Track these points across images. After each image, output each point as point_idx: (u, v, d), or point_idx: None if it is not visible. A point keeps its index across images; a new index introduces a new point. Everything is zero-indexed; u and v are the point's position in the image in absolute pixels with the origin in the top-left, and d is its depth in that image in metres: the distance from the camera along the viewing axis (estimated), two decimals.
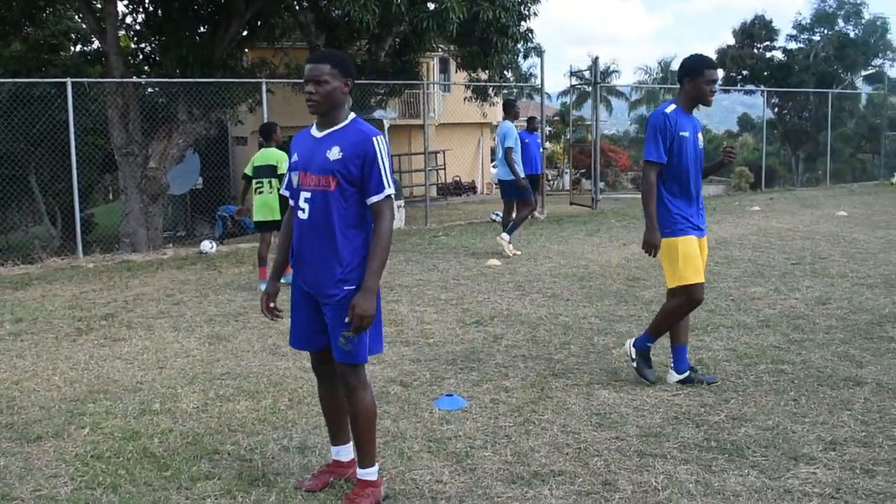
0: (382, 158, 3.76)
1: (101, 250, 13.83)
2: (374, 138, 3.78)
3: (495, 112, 30.96)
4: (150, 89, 20.90)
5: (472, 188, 30.91)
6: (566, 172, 32.47)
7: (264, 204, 9.75)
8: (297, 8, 19.79)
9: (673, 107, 5.55)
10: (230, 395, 5.67)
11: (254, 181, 9.83)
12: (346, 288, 3.79)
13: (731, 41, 45.99)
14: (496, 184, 20.42)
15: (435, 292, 9.10)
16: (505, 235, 11.64)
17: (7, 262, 12.38)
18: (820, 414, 5.07)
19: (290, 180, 3.99)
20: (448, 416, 5.17)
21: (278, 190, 9.62)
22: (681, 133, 5.48)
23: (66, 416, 5.33)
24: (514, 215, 12.15)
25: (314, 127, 3.96)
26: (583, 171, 30.03)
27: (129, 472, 4.39)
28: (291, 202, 3.99)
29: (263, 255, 9.85)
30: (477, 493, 4.07)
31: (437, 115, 30.16)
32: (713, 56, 45.96)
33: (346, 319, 3.73)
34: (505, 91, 23.91)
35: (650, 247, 5.45)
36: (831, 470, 4.27)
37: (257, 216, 9.86)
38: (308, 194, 3.85)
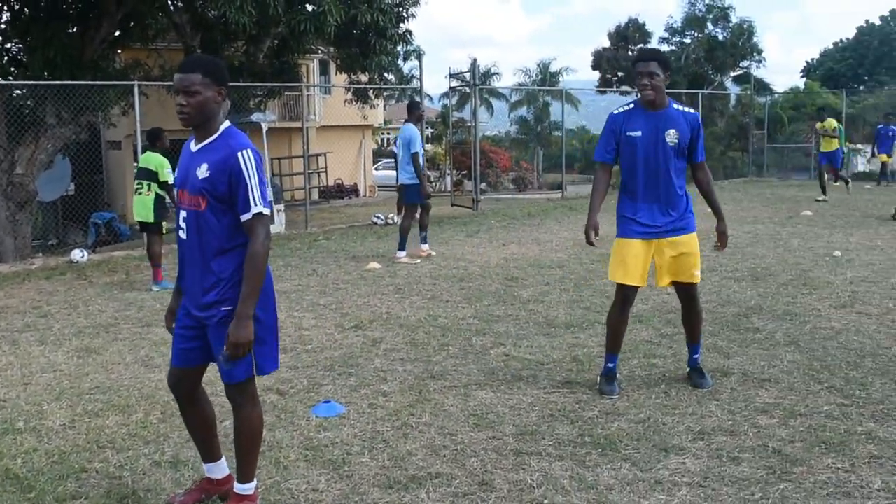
0: (249, 174, 3.59)
1: None
2: (239, 153, 3.60)
3: (376, 114, 30.94)
4: (16, 92, 20.02)
5: (354, 191, 30.79)
6: (448, 174, 32.65)
7: (140, 205, 10.28)
8: (171, 8, 19.32)
9: (629, 106, 5.48)
10: (99, 411, 5.47)
11: (135, 182, 10.34)
12: (223, 309, 3.66)
13: (607, 44, 47.19)
14: (390, 188, 20.34)
15: (314, 297, 9.00)
16: (424, 246, 11.50)
17: None
18: (689, 405, 5.24)
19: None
20: (325, 423, 5.12)
21: (156, 193, 10.14)
22: (629, 133, 5.39)
23: None
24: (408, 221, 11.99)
25: (192, 139, 3.80)
26: (464, 172, 30.26)
27: None
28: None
29: (155, 255, 10.26)
30: (353, 500, 4.04)
31: (317, 117, 29.93)
32: (589, 59, 47.20)
33: (224, 348, 3.62)
34: (386, 93, 23.91)
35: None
36: (699, 459, 4.41)
37: (136, 216, 10.43)
38: (185, 213, 3.72)
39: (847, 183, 19.98)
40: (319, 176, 29.24)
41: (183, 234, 3.76)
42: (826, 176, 18.92)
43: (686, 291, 5.73)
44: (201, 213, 3.65)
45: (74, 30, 17.70)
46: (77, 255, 12.67)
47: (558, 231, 14.14)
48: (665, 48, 45.75)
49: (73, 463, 4.59)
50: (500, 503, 3.99)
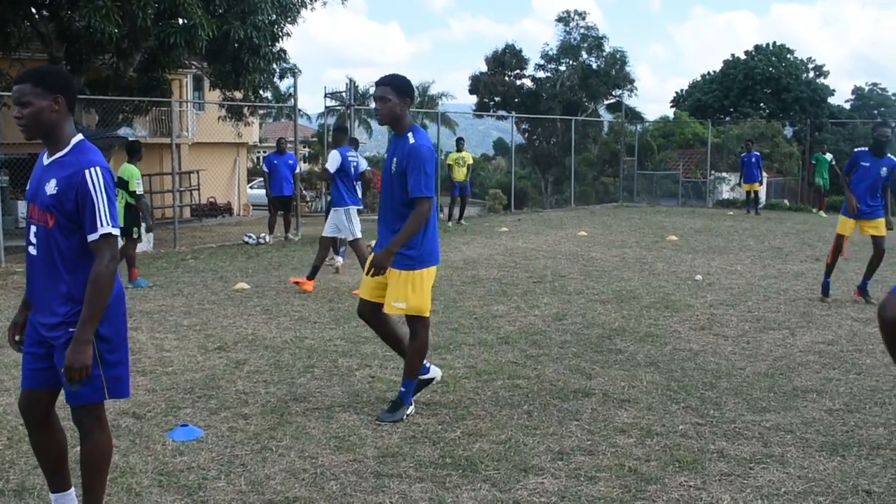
0: (97, 192, 3.45)
1: None
2: (87, 170, 3.46)
3: (251, 132, 30.46)
4: None
5: (227, 210, 30.18)
6: (324, 194, 32.41)
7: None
8: (36, 17, 18.57)
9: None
10: None
11: None
12: (70, 330, 3.48)
13: (485, 68, 47.88)
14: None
15: (178, 318, 8.73)
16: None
17: None
18: (550, 426, 5.29)
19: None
20: (182, 447, 4.95)
21: (127, 202, 10.82)
22: (386, 156, 5.60)
23: None
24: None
25: (45, 152, 3.63)
26: None
27: None
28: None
29: (129, 257, 11.01)
30: None
31: (190, 133, 29.27)
32: (466, 83, 47.82)
33: (62, 370, 3.46)
34: (262, 111, 23.56)
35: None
36: (558, 479, 4.45)
37: None
38: (34, 229, 3.56)
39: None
40: (192, 194, 28.55)
41: (32, 250, 3.59)
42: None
43: (408, 321, 5.61)
44: (49, 231, 3.50)
45: None
46: None
47: None
48: (541, 75, 46.81)
49: None
50: None
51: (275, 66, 20.93)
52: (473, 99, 48.15)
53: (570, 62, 46.20)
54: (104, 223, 3.44)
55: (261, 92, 21.72)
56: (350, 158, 10.72)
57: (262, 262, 13.16)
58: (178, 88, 27.62)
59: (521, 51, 47.85)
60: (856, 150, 10.02)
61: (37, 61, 21.38)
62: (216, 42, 16.98)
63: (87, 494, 3.72)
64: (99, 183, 3.46)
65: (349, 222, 10.71)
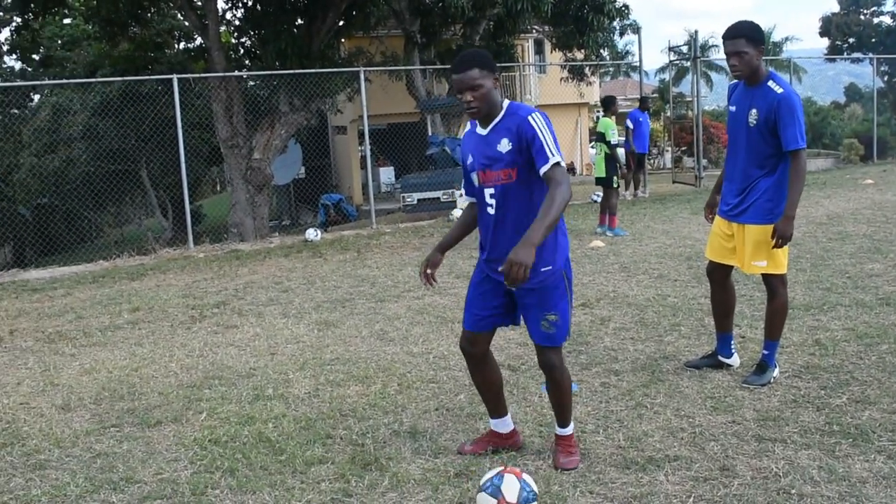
0: (542, 131, 3.84)
1: (211, 240, 14.22)
2: (528, 117, 3.89)
3: (592, 92, 30.57)
4: (251, 82, 21.29)
5: (570, 169, 30.62)
6: (667, 150, 31.86)
7: (596, 164, 12.21)
8: None
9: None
10: (340, 381, 5.74)
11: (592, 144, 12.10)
12: (542, 270, 3.94)
13: (836, 8, 44.51)
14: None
15: None
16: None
17: (123, 254, 12.84)
18: None
19: (470, 181, 4.18)
20: None
21: (605, 153, 11.83)
22: (729, 107, 5.28)
23: (184, 402, 5.48)
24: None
25: (477, 125, 4.11)
26: (684, 148, 29.44)
27: (245, 457, 4.48)
28: (475, 200, 4.18)
29: (611, 206, 11.79)
30: (591, 479, 4.01)
31: (533, 97, 29.94)
32: (817, 24, 44.61)
33: (500, 269, 3.70)
34: (602, 70, 23.55)
35: None
36: None
37: (594, 174, 12.52)
38: (492, 190, 4.01)
39: None
40: None
41: (492, 210, 4.04)
42: None
43: (764, 280, 5.34)
44: (510, 185, 3.95)
45: (302, 22, 18.58)
46: (311, 234, 13.38)
47: None
48: None
49: (318, 429, 4.84)
50: (743, 490, 3.83)
51: (616, 23, 20.84)
52: (823, 42, 44.91)
53: None
54: (553, 153, 3.82)
55: (601, 51, 21.74)
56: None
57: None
58: (521, 53, 28.32)
59: None
60: None
61: (393, 38, 22.92)
62: (560, 4, 17.20)
63: (561, 412, 4.26)
64: (540, 123, 3.88)
65: None
